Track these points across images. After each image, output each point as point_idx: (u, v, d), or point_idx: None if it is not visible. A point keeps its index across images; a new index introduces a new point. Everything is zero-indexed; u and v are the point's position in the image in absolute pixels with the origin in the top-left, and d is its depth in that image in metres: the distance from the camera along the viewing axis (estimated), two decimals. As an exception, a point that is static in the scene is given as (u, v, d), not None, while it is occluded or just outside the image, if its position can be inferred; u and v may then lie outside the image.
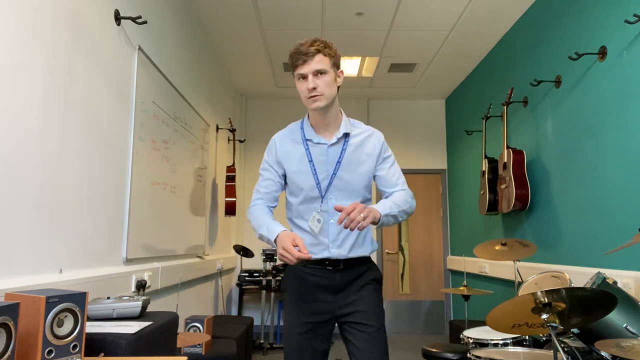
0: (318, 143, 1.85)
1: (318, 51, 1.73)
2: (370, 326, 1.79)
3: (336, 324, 1.88)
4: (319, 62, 1.73)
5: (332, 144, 1.85)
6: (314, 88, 1.73)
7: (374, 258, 6.15)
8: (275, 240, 1.70)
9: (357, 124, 1.93)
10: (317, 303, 1.82)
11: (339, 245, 1.83)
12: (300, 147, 1.87)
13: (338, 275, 1.83)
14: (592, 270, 2.90)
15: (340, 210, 1.63)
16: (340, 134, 1.84)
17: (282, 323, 1.89)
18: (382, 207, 1.75)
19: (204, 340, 2.54)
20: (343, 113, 1.90)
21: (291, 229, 1.93)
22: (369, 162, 1.87)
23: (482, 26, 4.28)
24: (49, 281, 1.81)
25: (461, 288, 3.50)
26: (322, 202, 1.83)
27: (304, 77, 1.75)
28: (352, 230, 1.62)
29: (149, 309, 2.86)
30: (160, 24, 3.15)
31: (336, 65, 1.80)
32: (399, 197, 1.85)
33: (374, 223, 1.71)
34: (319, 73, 1.74)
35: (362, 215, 1.60)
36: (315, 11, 4.03)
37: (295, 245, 1.61)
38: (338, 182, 1.83)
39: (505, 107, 4.03)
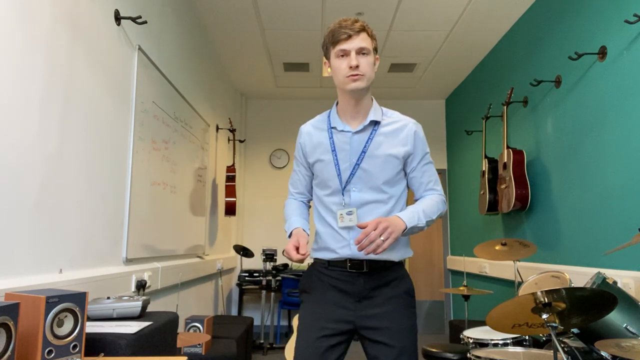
0: (342, 130, 1.70)
1: (363, 28, 1.63)
2: (396, 348, 1.59)
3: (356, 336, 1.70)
4: (364, 40, 1.62)
5: (357, 132, 1.69)
6: (357, 66, 1.60)
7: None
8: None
9: (390, 113, 1.76)
10: (338, 309, 1.64)
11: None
12: (325, 135, 1.74)
13: (362, 279, 1.65)
14: (592, 270, 2.90)
15: (362, 228, 1.50)
16: (367, 122, 1.68)
17: (297, 323, 1.80)
18: (409, 218, 1.59)
19: (204, 340, 2.54)
20: (374, 101, 1.74)
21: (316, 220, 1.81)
22: (399, 157, 1.69)
23: (482, 26, 4.28)
24: (49, 281, 1.81)
25: (461, 288, 3.50)
26: (343, 194, 1.68)
27: (346, 54, 1.62)
28: (369, 253, 1.48)
29: (149, 309, 2.86)
30: (160, 24, 3.15)
31: (375, 50, 1.69)
32: (430, 203, 1.68)
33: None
34: (362, 52, 1.62)
35: (382, 237, 1.47)
36: (315, 11, 4.03)
37: (298, 247, 1.60)
38: (362, 174, 1.67)
39: (505, 107, 4.02)
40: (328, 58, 1.70)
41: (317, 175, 1.76)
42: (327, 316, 1.64)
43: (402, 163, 1.70)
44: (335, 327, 1.63)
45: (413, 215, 1.60)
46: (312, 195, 1.83)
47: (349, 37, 1.61)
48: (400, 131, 1.71)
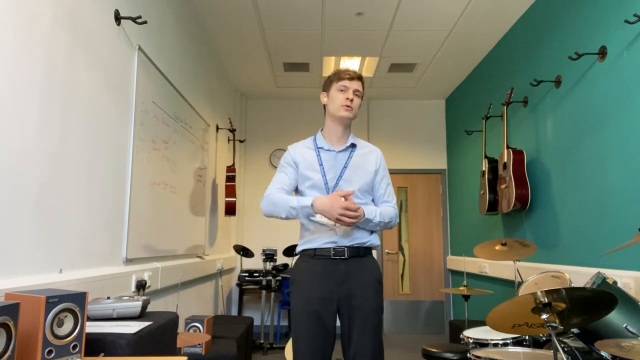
0: (328, 150, 2.20)
1: (360, 78, 2.19)
2: (369, 325, 2.04)
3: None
4: (359, 85, 2.18)
5: (340, 151, 2.21)
6: (352, 100, 2.15)
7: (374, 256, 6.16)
8: (312, 206, 2.02)
9: (362, 141, 2.30)
10: (324, 292, 2.05)
11: (344, 232, 2.10)
12: (313, 153, 2.21)
13: (343, 266, 2.08)
14: (592, 270, 2.90)
15: (345, 195, 2.00)
16: (348, 144, 2.21)
17: (290, 311, 2.24)
18: (369, 212, 2.09)
19: (204, 340, 2.54)
20: (351, 132, 2.27)
21: (302, 223, 2.19)
22: (371, 172, 2.21)
23: (482, 26, 4.28)
24: (49, 281, 1.81)
25: (461, 288, 3.50)
26: None
27: (346, 89, 2.15)
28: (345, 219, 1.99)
29: (149, 309, 2.86)
30: (160, 24, 3.15)
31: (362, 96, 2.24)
32: (386, 210, 2.17)
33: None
34: (357, 92, 2.17)
35: (351, 219, 1.98)
36: (315, 11, 4.03)
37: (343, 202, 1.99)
38: (343, 184, 2.15)
39: (505, 107, 4.02)
40: (327, 90, 2.21)
41: (306, 181, 2.16)
42: (317, 298, 2.04)
43: (373, 177, 2.21)
44: (323, 306, 2.04)
45: (372, 211, 2.11)
46: (290, 192, 2.22)
47: (352, 78, 2.16)
48: (371, 154, 2.26)
